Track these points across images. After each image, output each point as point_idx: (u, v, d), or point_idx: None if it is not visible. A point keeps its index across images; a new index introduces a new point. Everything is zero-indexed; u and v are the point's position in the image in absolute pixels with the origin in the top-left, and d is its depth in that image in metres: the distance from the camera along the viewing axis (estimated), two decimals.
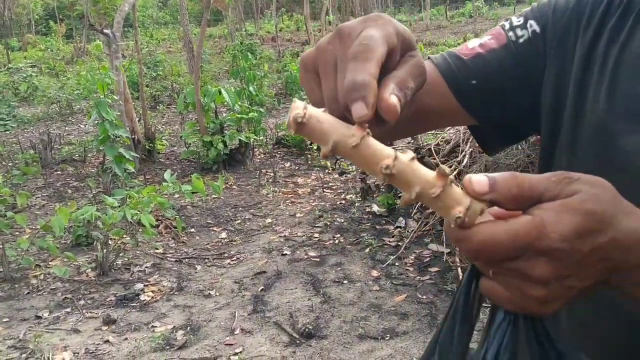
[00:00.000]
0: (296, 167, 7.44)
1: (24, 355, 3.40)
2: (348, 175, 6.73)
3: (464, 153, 4.47)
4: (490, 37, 0.82)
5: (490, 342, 0.55)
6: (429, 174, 0.48)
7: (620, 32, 0.73)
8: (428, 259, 4.37)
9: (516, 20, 0.82)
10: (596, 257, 0.49)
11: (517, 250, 0.48)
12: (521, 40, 0.80)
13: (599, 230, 0.49)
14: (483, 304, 0.57)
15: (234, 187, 6.70)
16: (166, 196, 4.51)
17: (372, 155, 0.48)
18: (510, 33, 0.81)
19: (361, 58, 0.51)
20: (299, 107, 0.48)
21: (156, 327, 3.70)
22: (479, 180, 0.49)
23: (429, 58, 0.85)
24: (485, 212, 0.49)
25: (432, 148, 4.84)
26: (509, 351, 0.54)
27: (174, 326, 3.69)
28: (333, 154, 0.49)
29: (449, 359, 0.57)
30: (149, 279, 4.38)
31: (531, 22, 0.80)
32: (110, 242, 4.57)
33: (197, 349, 3.41)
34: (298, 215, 5.63)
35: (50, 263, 4.63)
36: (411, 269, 4.25)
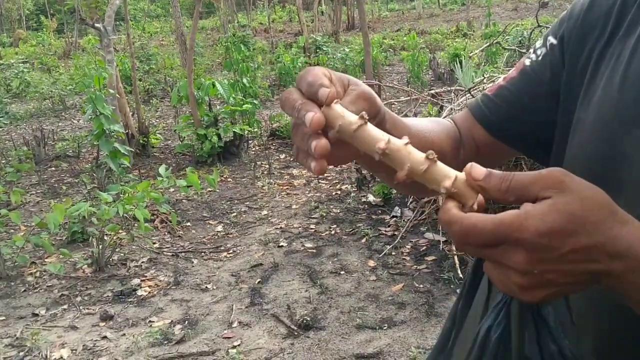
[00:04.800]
0: (291, 159, 7.42)
1: (21, 353, 3.39)
2: (343, 166, 6.72)
3: None
4: (514, 69, 0.88)
5: (487, 317, 0.60)
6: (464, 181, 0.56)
7: (637, 25, 0.73)
8: (424, 247, 4.37)
9: (538, 43, 0.86)
10: (577, 257, 0.52)
11: (498, 238, 0.53)
12: (540, 57, 0.84)
13: (581, 232, 0.52)
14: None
15: (229, 179, 6.68)
16: (161, 190, 4.49)
17: (416, 159, 0.57)
18: (532, 56, 0.85)
19: (303, 75, 0.63)
20: (359, 117, 0.58)
21: (154, 322, 3.69)
22: (479, 167, 0.55)
23: (466, 106, 0.94)
24: (474, 203, 0.56)
25: None
26: (501, 328, 0.59)
27: (172, 321, 3.69)
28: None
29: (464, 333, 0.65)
30: (145, 274, 4.37)
31: (549, 37, 0.84)
32: (106, 237, 4.55)
33: (195, 343, 3.41)
34: (294, 206, 5.63)
35: (46, 260, 4.62)
36: (408, 258, 4.25)
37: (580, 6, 0.81)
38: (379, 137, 0.57)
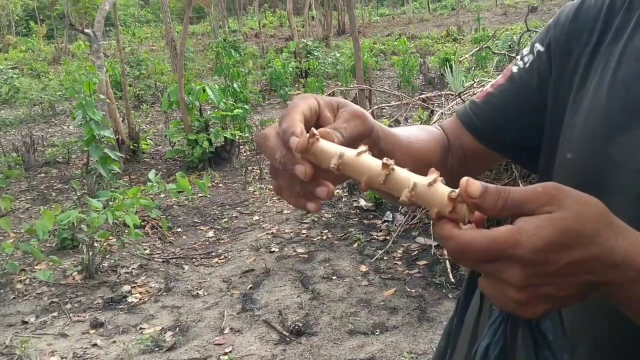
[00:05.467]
0: None
1: None
2: None
3: None
4: (501, 76, 0.88)
5: (484, 336, 0.59)
6: (445, 193, 0.54)
7: (624, 30, 0.73)
8: (416, 252, 4.37)
9: (525, 50, 0.86)
10: (574, 270, 0.52)
11: (493, 254, 0.52)
12: (527, 64, 0.84)
13: (577, 245, 0.51)
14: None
15: (220, 185, 6.66)
16: (151, 196, 4.46)
17: (400, 184, 0.56)
18: (520, 63, 0.85)
19: (284, 116, 0.63)
20: (335, 154, 0.58)
21: (144, 328, 3.67)
22: (474, 183, 0.54)
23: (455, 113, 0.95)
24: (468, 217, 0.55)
25: None
26: (499, 346, 0.57)
27: (163, 327, 3.66)
28: (368, 188, 0.58)
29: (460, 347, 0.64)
30: (136, 281, 4.34)
31: (536, 44, 0.84)
32: (96, 244, 4.52)
33: (186, 349, 3.39)
34: (285, 212, 5.62)
35: (35, 267, 4.58)
36: (399, 263, 4.25)
37: (567, 13, 0.81)
38: (358, 175, 0.58)
